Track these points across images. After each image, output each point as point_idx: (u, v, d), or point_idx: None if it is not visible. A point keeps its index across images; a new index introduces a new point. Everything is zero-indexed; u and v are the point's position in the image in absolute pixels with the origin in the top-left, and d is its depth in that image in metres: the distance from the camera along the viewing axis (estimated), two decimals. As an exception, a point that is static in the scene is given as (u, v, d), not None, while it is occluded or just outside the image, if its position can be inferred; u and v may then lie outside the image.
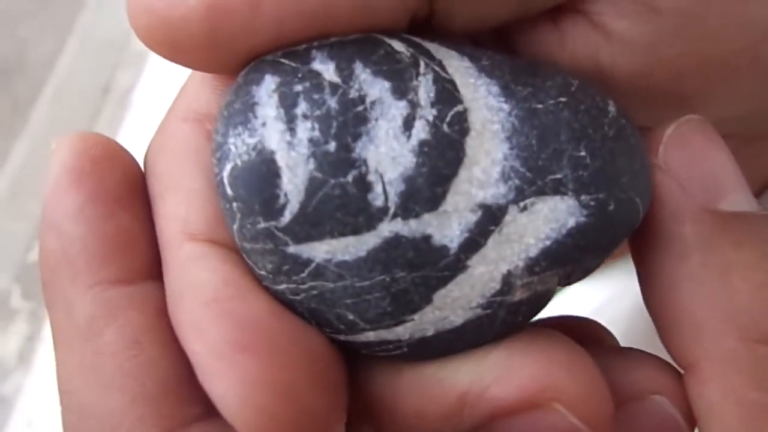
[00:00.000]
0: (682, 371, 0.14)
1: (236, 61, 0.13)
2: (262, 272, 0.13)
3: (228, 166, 0.13)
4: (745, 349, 0.13)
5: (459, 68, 0.13)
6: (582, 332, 0.16)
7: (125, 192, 0.14)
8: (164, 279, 0.13)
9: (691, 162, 0.14)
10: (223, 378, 0.12)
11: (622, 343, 0.16)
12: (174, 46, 0.13)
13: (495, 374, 0.13)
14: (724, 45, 0.14)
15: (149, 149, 0.14)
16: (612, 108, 0.14)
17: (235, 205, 0.13)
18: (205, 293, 0.12)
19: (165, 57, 0.13)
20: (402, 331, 0.13)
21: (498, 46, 0.16)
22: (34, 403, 0.79)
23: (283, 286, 0.13)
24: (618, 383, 0.14)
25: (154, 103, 0.95)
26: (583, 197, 0.13)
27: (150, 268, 0.14)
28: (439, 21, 0.14)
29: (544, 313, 0.15)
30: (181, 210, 0.13)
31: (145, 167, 0.14)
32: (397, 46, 0.13)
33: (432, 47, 0.14)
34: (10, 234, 0.91)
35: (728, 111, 0.16)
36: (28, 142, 0.96)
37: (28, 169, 0.95)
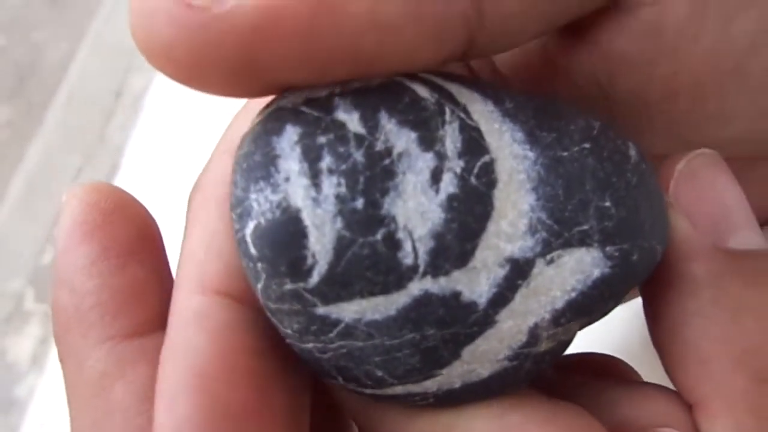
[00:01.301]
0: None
1: (269, 89, 0.12)
2: (288, 331, 0.13)
3: (251, 224, 0.12)
4: (757, 390, 0.13)
5: (483, 113, 0.13)
6: (605, 368, 0.16)
7: (137, 243, 0.14)
8: (168, 321, 0.13)
9: (702, 198, 0.14)
10: None
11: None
12: (199, 71, 0.11)
13: None
14: (715, 64, 0.14)
15: (196, 182, 0.14)
16: (633, 152, 0.14)
17: (259, 265, 0.12)
18: (195, 362, 0.12)
19: (179, 81, 0.11)
20: (430, 385, 0.13)
21: (494, 72, 0.16)
22: (46, 405, 0.79)
23: (310, 345, 0.13)
24: (626, 416, 0.14)
25: (166, 108, 0.95)
26: (608, 248, 0.13)
27: (162, 317, 0.13)
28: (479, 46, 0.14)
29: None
30: (198, 253, 0.13)
31: (188, 201, 0.14)
32: (421, 91, 0.13)
33: (454, 89, 0.13)
34: (23, 237, 0.92)
35: (723, 131, 0.16)
36: (42, 145, 0.96)
37: (41, 172, 0.95)
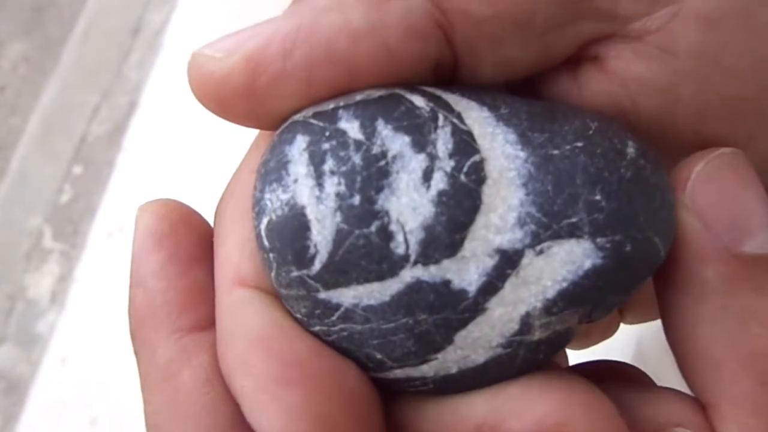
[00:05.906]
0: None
1: (274, 113, 0.14)
2: (298, 315, 0.14)
3: (264, 220, 0.14)
4: (762, 392, 0.14)
5: (478, 119, 0.14)
6: (619, 374, 0.16)
7: (199, 250, 0.15)
8: (216, 319, 0.15)
9: (719, 200, 0.14)
10: (268, 411, 0.13)
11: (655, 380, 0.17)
12: (221, 100, 0.14)
13: (511, 408, 0.14)
14: (742, 85, 0.14)
15: (222, 196, 0.16)
16: (631, 149, 0.14)
17: (271, 255, 0.14)
18: (252, 333, 0.14)
19: (215, 113, 0.15)
20: (427, 369, 0.14)
21: (524, 94, 0.16)
22: (67, 341, 0.80)
23: (316, 328, 0.14)
24: (642, 416, 0.14)
25: (185, 45, 0.94)
26: (599, 240, 0.13)
27: None
28: (465, 73, 0.15)
29: (584, 357, 0.16)
30: (234, 256, 0.15)
31: (215, 213, 0.16)
32: (418, 101, 0.14)
33: (452, 99, 0.14)
34: (41, 175, 0.92)
35: (760, 151, 0.15)
36: (59, 82, 0.96)
37: (59, 109, 0.95)
